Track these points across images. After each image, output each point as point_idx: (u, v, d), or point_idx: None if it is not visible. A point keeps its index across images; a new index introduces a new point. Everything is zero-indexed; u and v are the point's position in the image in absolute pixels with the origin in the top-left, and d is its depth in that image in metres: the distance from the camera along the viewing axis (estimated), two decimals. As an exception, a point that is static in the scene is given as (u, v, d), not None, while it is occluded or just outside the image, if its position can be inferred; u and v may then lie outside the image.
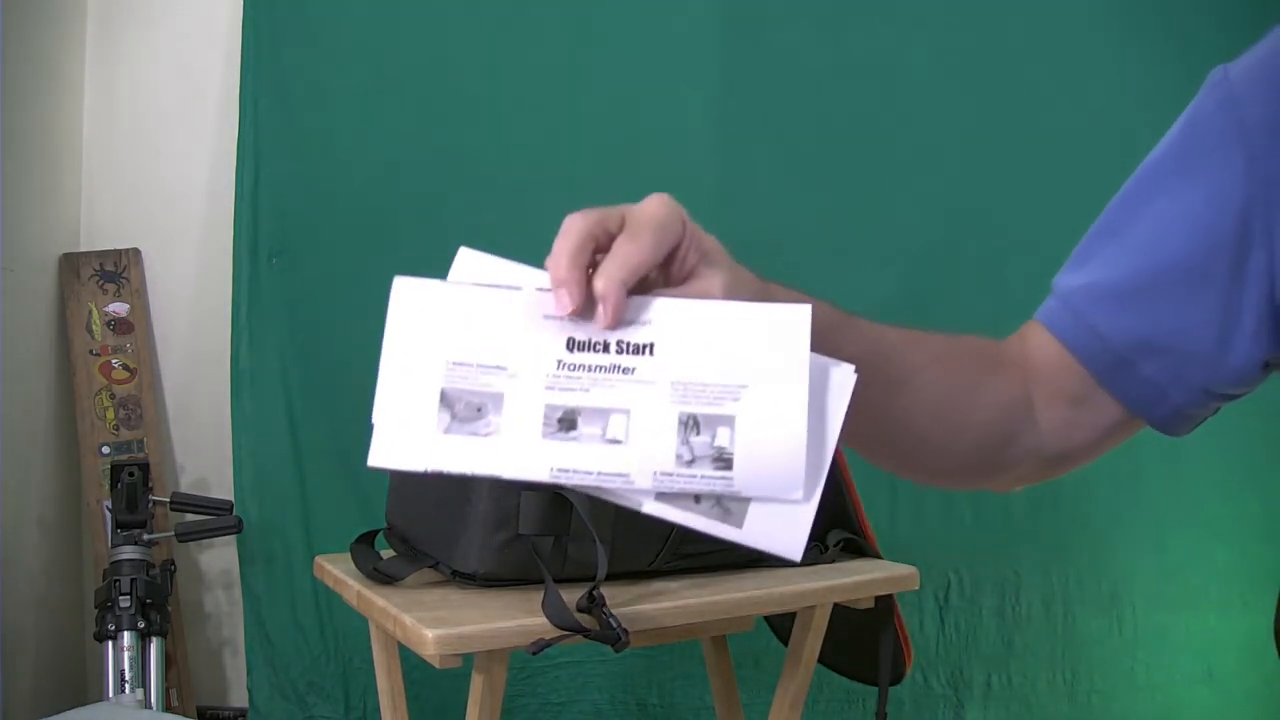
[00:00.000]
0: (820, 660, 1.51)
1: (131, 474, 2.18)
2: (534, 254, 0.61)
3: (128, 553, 2.10)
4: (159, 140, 2.45)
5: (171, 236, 2.44)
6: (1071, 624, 2.25)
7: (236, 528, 2.23)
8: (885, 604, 1.52)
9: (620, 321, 0.60)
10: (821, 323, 0.62)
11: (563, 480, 0.59)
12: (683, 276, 0.62)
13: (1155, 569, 2.25)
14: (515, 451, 0.59)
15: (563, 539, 1.32)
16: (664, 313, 0.62)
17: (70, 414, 2.35)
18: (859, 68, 2.27)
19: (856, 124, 2.26)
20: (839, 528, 1.59)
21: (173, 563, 2.26)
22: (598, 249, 0.60)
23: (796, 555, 0.61)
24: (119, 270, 2.40)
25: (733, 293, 0.62)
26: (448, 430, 0.59)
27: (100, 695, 2.08)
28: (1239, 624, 2.22)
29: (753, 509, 0.60)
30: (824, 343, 0.62)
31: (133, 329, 2.39)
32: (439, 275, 0.62)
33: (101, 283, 2.39)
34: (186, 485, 2.42)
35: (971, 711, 2.24)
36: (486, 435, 0.59)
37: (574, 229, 0.59)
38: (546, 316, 0.61)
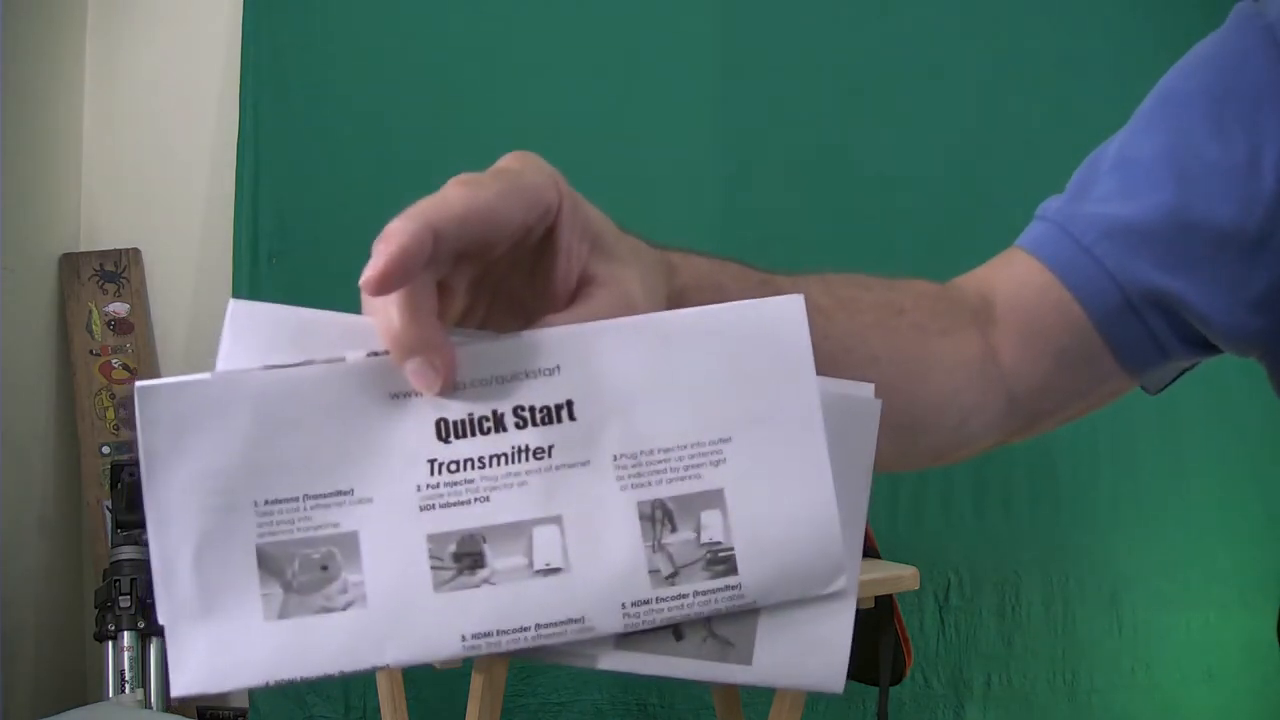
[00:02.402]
0: (820, 660, 1.51)
1: (131, 474, 2.18)
2: None
3: (128, 553, 2.10)
4: (159, 140, 2.45)
5: (171, 236, 2.44)
6: (1071, 624, 2.25)
7: (236, 528, 2.23)
8: (885, 604, 1.52)
9: (448, 365, 0.39)
10: (729, 287, 0.48)
11: (484, 650, 0.39)
12: (571, 282, 0.42)
13: (1155, 569, 2.25)
14: (397, 624, 0.39)
15: (563, 539, 1.32)
16: (572, 351, 0.41)
17: (70, 414, 2.35)
18: (859, 67, 2.27)
19: (857, 122, 2.26)
20: (839, 528, 1.58)
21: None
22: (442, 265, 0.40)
23: (838, 684, 0.41)
24: (119, 270, 2.40)
25: (648, 286, 0.43)
26: (283, 612, 0.38)
27: (100, 695, 2.08)
28: (1239, 624, 2.22)
29: (762, 632, 0.41)
30: None
31: (133, 329, 2.39)
32: None
33: (101, 283, 2.39)
34: (186, 485, 2.41)
35: (971, 711, 2.24)
36: (345, 609, 0.38)
37: (400, 240, 0.37)
38: (395, 396, 0.40)
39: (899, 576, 1.51)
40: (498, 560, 0.39)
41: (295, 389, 0.39)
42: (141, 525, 2.14)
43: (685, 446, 0.40)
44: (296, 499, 0.39)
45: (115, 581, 2.07)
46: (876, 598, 1.50)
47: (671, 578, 0.39)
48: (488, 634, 0.39)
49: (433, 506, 0.39)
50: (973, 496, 2.23)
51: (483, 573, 0.39)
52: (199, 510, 0.38)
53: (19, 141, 2.20)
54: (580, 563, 0.39)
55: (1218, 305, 0.61)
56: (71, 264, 2.38)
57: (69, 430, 2.35)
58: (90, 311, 2.37)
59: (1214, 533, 2.25)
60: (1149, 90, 0.66)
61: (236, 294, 2.27)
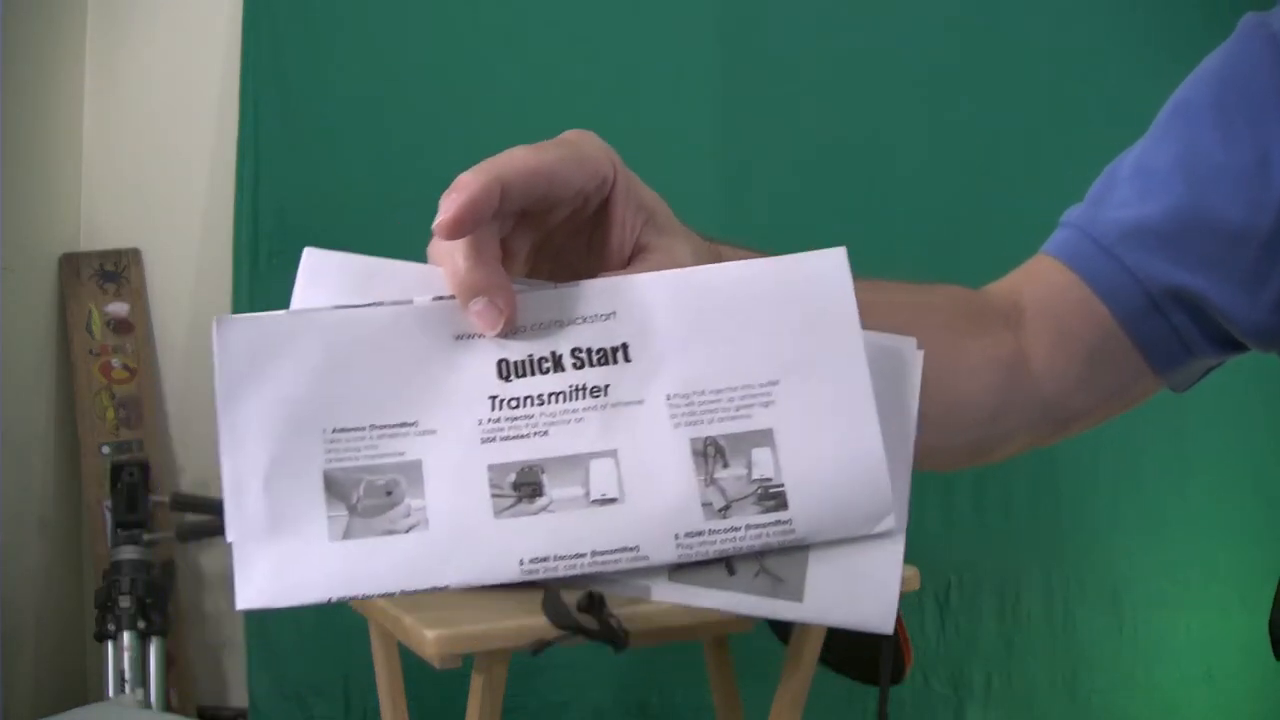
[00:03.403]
0: (820, 660, 1.51)
1: (131, 474, 2.18)
2: None
3: (128, 553, 2.11)
4: (159, 140, 2.45)
5: (171, 236, 2.44)
6: (1071, 624, 2.25)
7: (236, 528, 2.23)
8: (885, 604, 1.52)
9: (510, 305, 0.42)
10: None
11: (541, 575, 0.40)
12: (626, 252, 0.45)
13: (1155, 569, 2.25)
14: (457, 548, 0.40)
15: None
16: (628, 298, 0.43)
17: (70, 414, 2.35)
18: (860, 67, 2.27)
19: (858, 124, 2.26)
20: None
21: (173, 563, 2.26)
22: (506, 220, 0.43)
23: (888, 624, 0.43)
24: (119, 270, 2.40)
25: (698, 261, 0.46)
26: (348, 533, 0.40)
27: (100, 695, 2.08)
28: (1239, 624, 2.22)
29: (814, 570, 0.42)
30: None
31: (133, 329, 2.39)
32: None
33: (101, 283, 2.39)
34: (186, 485, 2.42)
35: (971, 711, 2.24)
36: (408, 531, 0.40)
37: (470, 190, 0.41)
38: (459, 337, 0.43)
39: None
40: (555, 490, 0.41)
41: (364, 327, 0.42)
42: (141, 525, 2.14)
43: (735, 388, 0.42)
44: (363, 428, 0.41)
45: (115, 581, 2.07)
46: (876, 598, 1.50)
47: (724, 511, 0.41)
48: (545, 559, 0.40)
49: (494, 439, 0.41)
50: (973, 496, 2.23)
51: (541, 501, 0.41)
52: (271, 435, 0.41)
53: (19, 141, 2.20)
54: (635, 494, 0.41)
55: (1238, 303, 0.63)
56: (71, 264, 2.38)
57: (69, 430, 2.34)
58: (90, 311, 2.37)
59: (1214, 533, 2.25)
60: (1150, 89, 0.71)
61: (236, 294, 2.28)
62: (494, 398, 0.42)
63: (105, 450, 2.32)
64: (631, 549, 0.40)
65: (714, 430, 0.42)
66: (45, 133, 2.35)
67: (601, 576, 0.41)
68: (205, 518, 2.23)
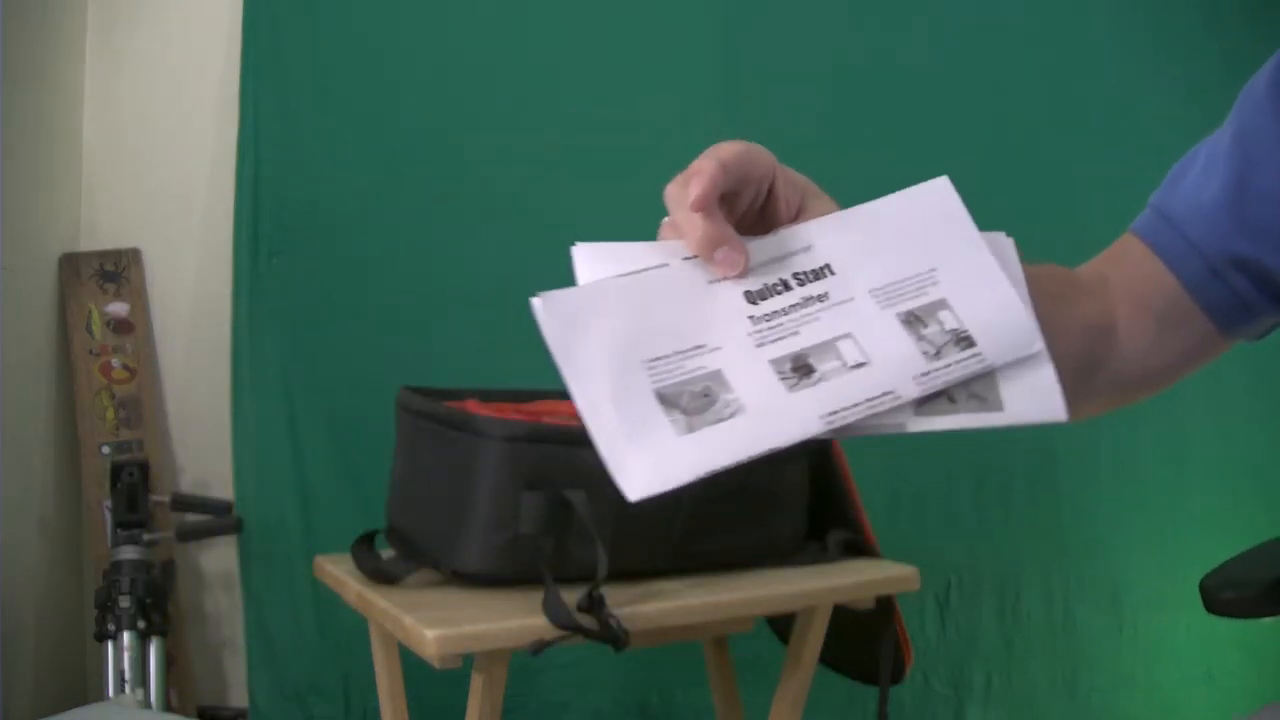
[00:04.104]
0: (821, 660, 1.51)
1: (131, 474, 2.18)
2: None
3: (128, 553, 2.11)
4: (159, 140, 2.45)
5: (171, 236, 2.44)
6: (1071, 624, 2.25)
7: (236, 528, 2.23)
8: (885, 604, 1.52)
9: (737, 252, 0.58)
10: None
11: (837, 423, 0.55)
12: (791, 215, 0.62)
13: (1155, 569, 2.25)
14: (773, 418, 0.54)
15: (563, 539, 1.32)
16: (816, 234, 0.61)
17: (70, 414, 2.35)
18: (860, 67, 2.27)
19: (858, 124, 2.26)
20: (839, 528, 1.59)
21: (173, 563, 2.26)
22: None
23: (1063, 413, 0.58)
24: (119, 270, 2.40)
25: None
26: (690, 429, 0.54)
27: (100, 695, 2.08)
28: (1239, 624, 2.22)
29: (1004, 388, 0.58)
30: None
31: (133, 329, 2.39)
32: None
33: (101, 283, 2.39)
34: (186, 485, 2.42)
35: (972, 711, 2.24)
36: (732, 416, 0.54)
37: (692, 183, 0.57)
38: (711, 283, 0.59)
39: (899, 576, 1.51)
40: (822, 366, 0.56)
41: (645, 286, 0.58)
42: (141, 525, 2.14)
43: (909, 278, 0.60)
44: (670, 355, 0.56)
45: (115, 581, 2.07)
46: (877, 598, 1.50)
47: (937, 354, 0.57)
48: (835, 411, 0.55)
49: (764, 344, 0.57)
50: (973, 496, 2.23)
51: (815, 375, 0.56)
52: (605, 370, 0.55)
53: (19, 141, 2.20)
54: (877, 356, 0.57)
55: None
56: (71, 264, 2.38)
57: (69, 430, 2.34)
58: (90, 311, 2.37)
59: (1214, 533, 2.24)
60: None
61: (237, 294, 2.28)
62: (751, 316, 0.58)
63: (105, 450, 2.32)
64: (889, 392, 0.56)
65: (909, 306, 0.59)
66: (45, 133, 2.35)
67: (873, 418, 0.55)
68: (205, 518, 2.23)
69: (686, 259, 0.59)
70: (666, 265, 0.58)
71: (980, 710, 2.24)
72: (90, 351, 2.36)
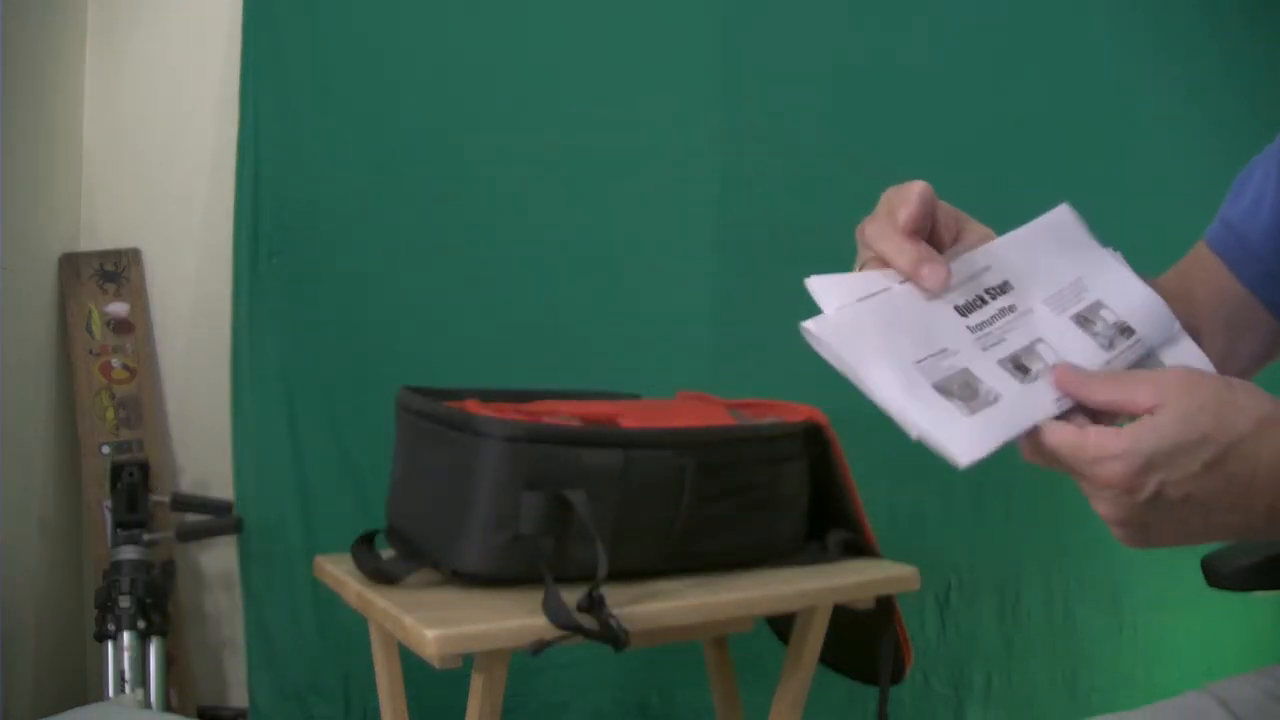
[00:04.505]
0: (821, 660, 1.51)
1: (131, 474, 2.18)
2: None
3: (128, 553, 2.11)
4: (159, 140, 2.45)
5: (171, 236, 2.44)
6: (1071, 624, 2.25)
7: (236, 528, 2.23)
8: (885, 604, 1.52)
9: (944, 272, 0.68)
10: None
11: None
12: (952, 238, 0.72)
13: (1155, 569, 2.25)
14: (1024, 404, 0.65)
15: (563, 539, 1.32)
16: (988, 259, 0.72)
17: (70, 414, 2.35)
18: (860, 67, 2.27)
19: (858, 124, 2.26)
20: (839, 528, 1.59)
21: (173, 563, 2.26)
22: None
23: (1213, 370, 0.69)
24: (119, 270, 2.40)
25: (987, 237, 0.73)
26: (971, 412, 0.64)
27: (100, 695, 2.08)
28: (1239, 624, 2.22)
29: (1166, 362, 0.71)
30: None
31: (133, 329, 2.39)
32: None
33: (101, 283, 2.39)
34: (186, 485, 2.42)
35: (972, 711, 2.24)
36: (996, 402, 0.64)
37: (889, 221, 0.68)
38: (929, 300, 0.68)
39: (899, 576, 1.51)
40: (1032, 366, 0.67)
41: (887, 304, 0.68)
42: (141, 525, 2.14)
43: (1066, 287, 0.72)
44: (925, 358, 0.66)
45: (115, 581, 2.07)
46: (877, 598, 1.50)
47: (1110, 345, 0.70)
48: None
49: (987, 348, 0.67)
50: (973, 496, 2.23)
51: (1033, 373, 0.67)
52: (890, 374, 0.64)
53: (19, 141, 2.20)
54: (1067, 353, 0.68)
55: None
56: (71, 264, 2.38)
57: (69, 430, 2.34)
58: (90, 311, 2.37)
59: (1214, 533, 2.24)
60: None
61: (236, 294, 2.28)
62: (968, 327, 0.68)
63: (105, 450, 2.32)
64: None
65: (1076, 309, 0.71)
66: (45, 133, 2.35)
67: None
68: (205, 518, 2.23)
69: (902, 283, 0.69)
70: (889, 289, 0.68)
71: (980, 710, 2.24)
72: (90, 351, 2.36)
